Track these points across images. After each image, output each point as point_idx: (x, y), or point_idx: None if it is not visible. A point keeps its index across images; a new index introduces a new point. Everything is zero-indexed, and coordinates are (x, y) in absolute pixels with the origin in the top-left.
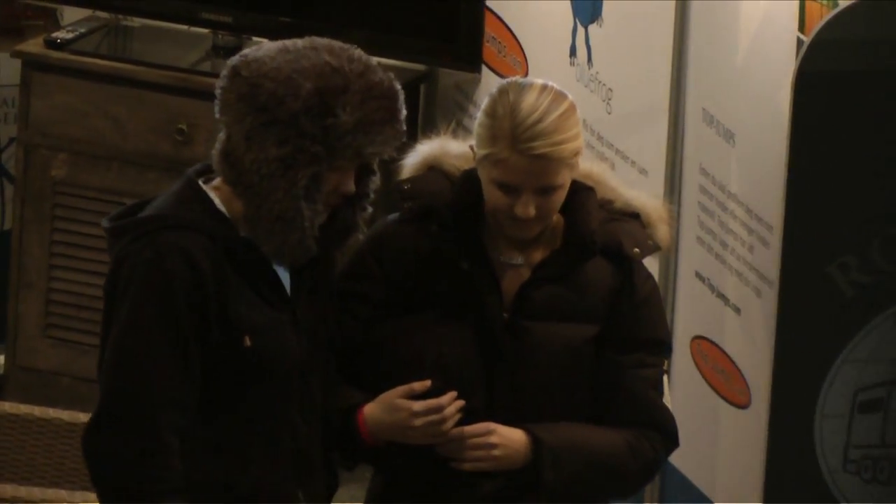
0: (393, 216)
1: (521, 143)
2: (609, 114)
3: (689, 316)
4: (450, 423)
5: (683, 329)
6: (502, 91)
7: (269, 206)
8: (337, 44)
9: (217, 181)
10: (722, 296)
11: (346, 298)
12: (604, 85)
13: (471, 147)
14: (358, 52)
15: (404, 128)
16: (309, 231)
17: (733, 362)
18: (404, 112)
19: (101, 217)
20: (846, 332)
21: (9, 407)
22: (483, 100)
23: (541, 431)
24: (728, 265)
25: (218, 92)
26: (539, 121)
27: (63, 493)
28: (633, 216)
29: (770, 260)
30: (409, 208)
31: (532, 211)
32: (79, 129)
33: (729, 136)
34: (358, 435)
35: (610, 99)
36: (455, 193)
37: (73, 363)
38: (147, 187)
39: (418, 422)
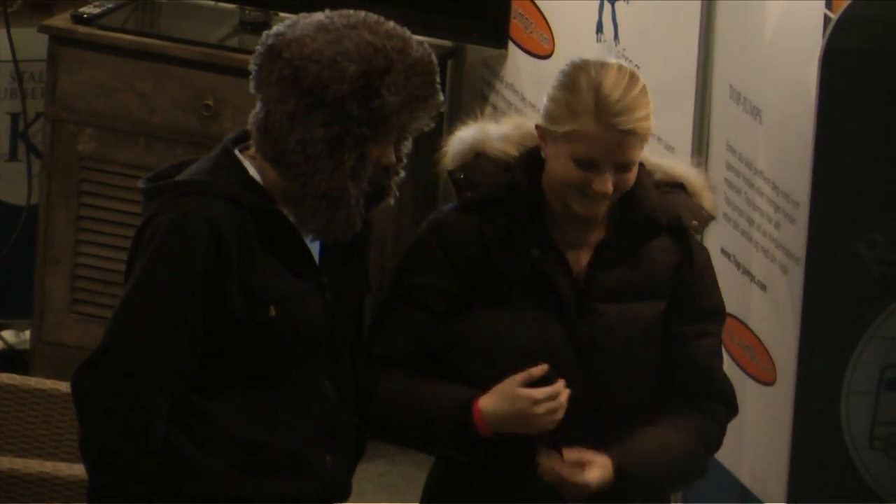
0: (450, 206)
1: (608, 117)
2: None
3: None
4: (562, 410)
5: None
6: (580, 67)
7: (314, 184)
8: (372, 17)
9: (253, 150)
10: (748, 273)
11: (416, 293)
12: (631, 61)
13: (537, 126)
14: (394, 25)
15: (442, 97)
16: (356, 209)
17: (759, 339)
18: (438, 76)
19: (128, 192)
20: (873, 310)
21: (35, 382)
22: (509, 76)
23: (623, 458)
24: (754, 242)
25: (254, 69)
26: (624, 97)
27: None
28: (679, 186)
29: (797, 237)
30: (470, 198)
31: (611, 187)
32: (106, 104)
33: (756, 112)
34: (475, 429)
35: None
36: (519, 179)
37: (98, 338)
38: (173, 162)
39: (540, 409)
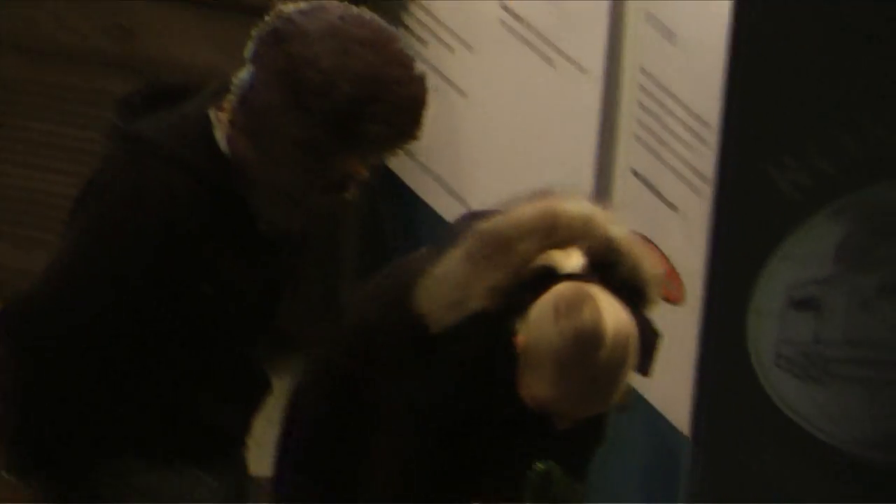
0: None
1: (586, 407)
2: (550, 13)
3: (625, 213)
4: None
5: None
6: (578, 342)
7: (275, 176)
8: (386, 34)
9: (228, 110)
10: (659, 194)
11: None
12: None
13: (519, 338)
14: (401, 49)
15: (421, 132)
16: (306, 212)
17: (668, 259)
18: (424, 114)
19: (46, 112)
20: (782, 231)
21: None
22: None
23: None
24: (666, 163)
25: (255, 40)
26: (610, 389)
27: None
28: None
29: (708, 158)
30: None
31: (569, 425)
32: (22, 25)
33: (670, 35)
34: None
35: None
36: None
37: (12, 257)
38: (91, 83)
39: None
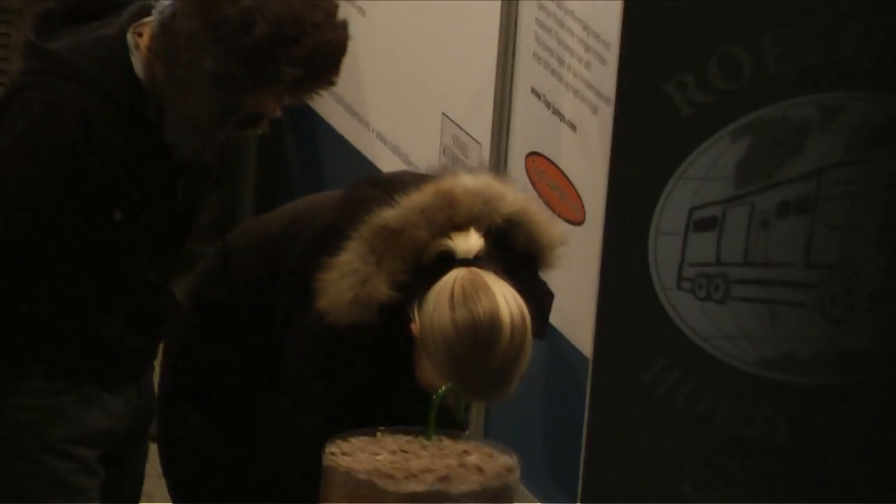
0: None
1: (484, 395)
2: None
3: (524, 132)
4: None
5: (518, 145)
6: (473, 336)
7: (185, 105)
8: None
9: (147, 33)
10: (558, 112)
11: None
12: None
13: (412, 323)
14: None
15: (338, 76)
16: (210, 146)
17: (568, 179)
18: (343, 60)
19: None
20: (682, 151)
21: None
22: None
23: None
24: (565, 82)
25: None
26: (507, 379)
27: None
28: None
29: (607, 77)
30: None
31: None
32: None
33: None
34: None
35: None
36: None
37: None
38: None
39: None
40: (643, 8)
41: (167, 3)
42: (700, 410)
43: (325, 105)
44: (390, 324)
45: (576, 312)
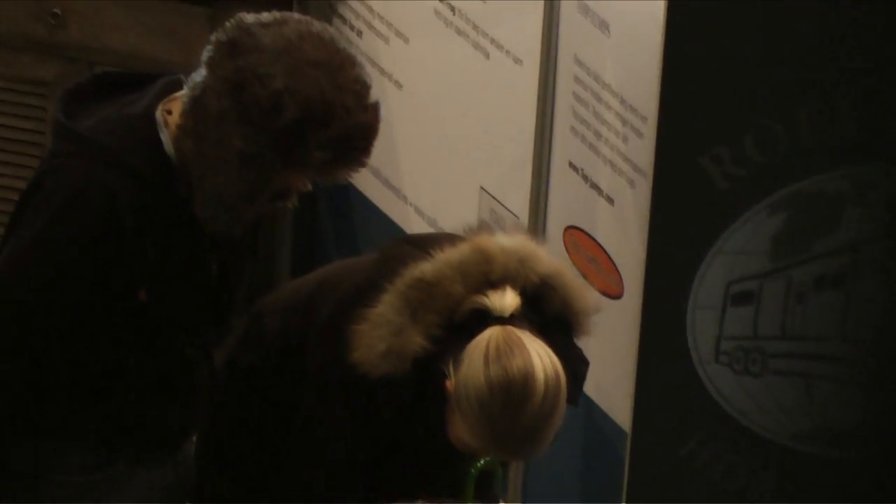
0: None
1: (514, 455)
2: (484, 2)
3: (561, 206)
4: None
5: (556, 219)
6: (507, 395)
7: (214, 182)
8: (343, 56)
9: (178, 109)
10: (595, 186)
11: None
12: None
13: (448, 380)
14: (358, 75)
15: (369, 157)
16: (240, 221)
17: (606, 252)
18: (374, 142)
19: None
20: (719, 224)
21: None
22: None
23: None
24: (602, 155)
25: (211, 45)
26: (538, 439)
27: None
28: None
29: (644, 151)
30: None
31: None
32: None
33: (604, 26)
34: None
35: None
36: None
37: None
38: (20, 70)
39: None
40: (680, 82)
41: (198, 79)
42: (737, 484)
43: (362, 177)
44: (422, 379)
45: (614, 386)
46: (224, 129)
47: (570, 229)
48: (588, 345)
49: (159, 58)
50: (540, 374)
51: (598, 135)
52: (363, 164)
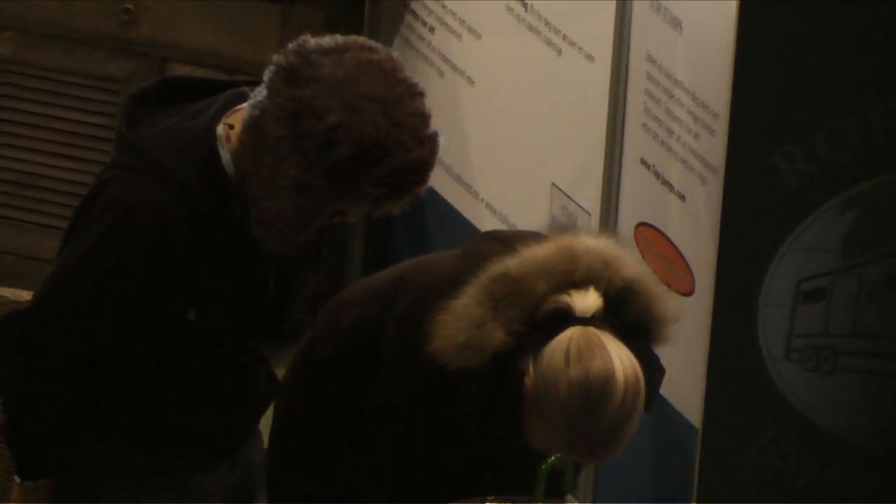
0: None
1: (592, 457)
2: (557, 0)
3: (633, 203)
4: None
5: (627, 216)
6: (587, 397)
7: (267, 206)
8: (402, 88)
9: (240, 123)
10: (667, 183)
11: None
12: None
13: (526, 378)
14: (416, 109)
15: (425, 187)
16: (293, 244)
17: (677, 250)
18: (429, 174)
19: (46, 95)
20: (790, 222)
21: None
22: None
23: None
24: (673, 152)
25: (272, 68)
26: (616, 442)
27: None
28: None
29: (715, 148)
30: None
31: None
32: (25, 7)
33: (676, 23)
34: None
35: None
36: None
37: (17, 241)
38: (92, 66)
39: None
40: (752, 78)
41: (259, 100)
42: (806, 482)
43: (434, 174)
44: (500, 375)
45: (684, 383)
46: (279, 155)
47: (642, 226)
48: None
49: (230, 54)
50: (620, 376)
51: (669, 132)
52: (417, 196)
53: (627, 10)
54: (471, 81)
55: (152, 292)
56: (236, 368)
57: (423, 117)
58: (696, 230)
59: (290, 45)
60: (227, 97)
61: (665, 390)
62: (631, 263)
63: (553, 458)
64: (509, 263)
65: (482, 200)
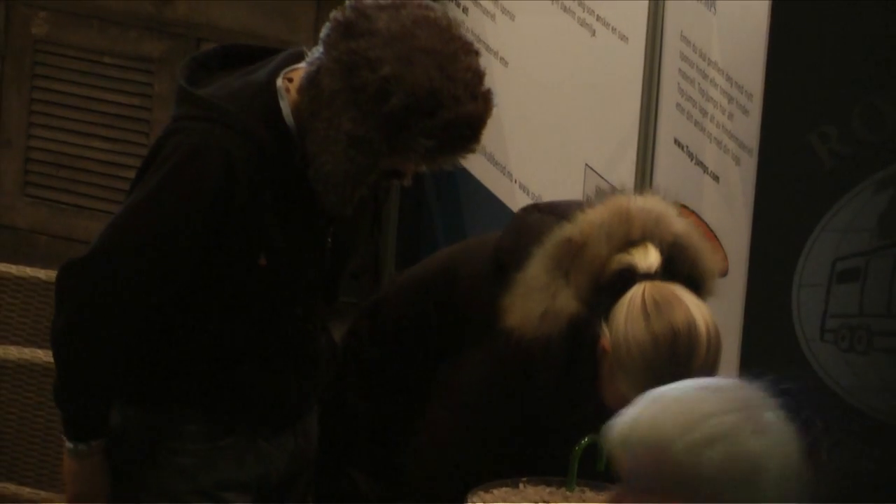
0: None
1: None
2: None
3: (667, 183)
4: None
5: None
6: (673, 347)
7: (322, 160)
8: (458, 43)
9: (297, 81)
10: (701, 163)
11: None
12: None
13: (602, 343)
14: (470, 64)
15: (478, 145)
16: (349, 201)
17: (711, 230)
18: (482, 131)
19: (81, 76)
20: (825, 202)
21: None
22: None
23: None
24: (707, 133)
25: (328, 25)
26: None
27: (39, 352)
28: None
29: (750, 128)
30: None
31: None
32: None
33: (710, 2)
34: None
35: None
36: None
37: (51, 222)
38: (128, 46)
39: None
40: (786, 59)
41: (316, 56)
42: (842, 462)
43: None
44: (574, 341)
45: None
46: (335, 109)
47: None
48: None
49: (266, 35)
50: (702, 324)
51: (703, 112)
52: (471, 151)
53: None
54: (504, 62)
55: (221, 237)
56: (302, 334)
57: (478, 74)
58: (730, 210)
59: (348, 1)
60: (284, 56)
61: None
62: (678, 218)
63: (586, 439)
64: (571, 230)
65: (515, 181)
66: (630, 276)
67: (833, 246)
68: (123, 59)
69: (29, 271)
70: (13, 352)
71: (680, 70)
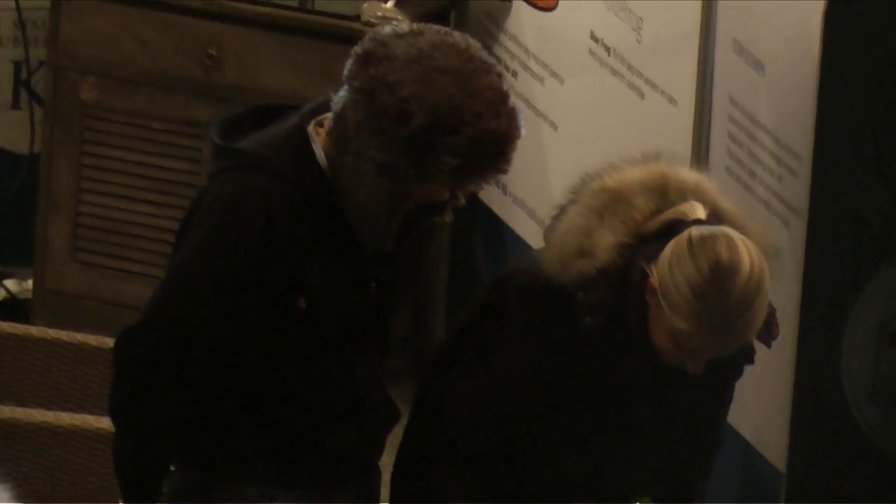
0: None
1: (723, 337)
2: (639, 42)
3: None
4: None
5: None
6: (715, 270)
7: (355, 195)
8: (477, 63)
9: (327, 127)
10: None
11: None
12: (633, 13)
13: (650, 282)
14: (491, 81)
15: (509, 165)
16: (386, 231)
17: None
18: (513, 150)
19: (130, 140)
20: (873, 263)
21: (36, 331)
22: (513, 28)
23: None
24: (756, 195)
25: (350, 61)
26: (744, 315)
27: (90, 417)
28: None
29: (798, 190)
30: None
31: (702, 368)
32: (108, 52)
33: (759, 66)
34: None
35: (640, 28)
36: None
37: (100, 287)
38: (176, 111)
39: None
40: (834, 120)
41: (341, 93)
42: None
43: (517, 217)
44: (619, 295)
45: (769, 427)
46: (361, 139)
47: None
48: (745, 386)
49: (310, 96)
50: (744, 250)
51: (752, 174)
52: (501, 172)
53: (710, 53)
54: (554, 126)
55: (263, 281)
56: (351, 384)
57: (500, 92)
58: (779, 272)
59: (367, 34)
60: (313, 105)
61: (749, 434)
62: (720, 193)
63: (640, 498)
64: (606, 179)
65: None
66: (678, 225)
67: (882, 307)
68: (172, 123)
69: (79, 337)
70: (64, 418)
71: (729, 132)
